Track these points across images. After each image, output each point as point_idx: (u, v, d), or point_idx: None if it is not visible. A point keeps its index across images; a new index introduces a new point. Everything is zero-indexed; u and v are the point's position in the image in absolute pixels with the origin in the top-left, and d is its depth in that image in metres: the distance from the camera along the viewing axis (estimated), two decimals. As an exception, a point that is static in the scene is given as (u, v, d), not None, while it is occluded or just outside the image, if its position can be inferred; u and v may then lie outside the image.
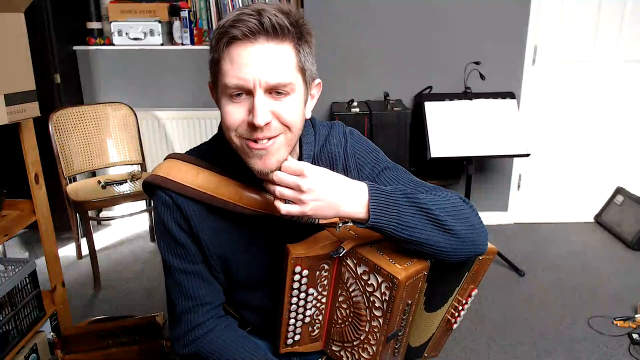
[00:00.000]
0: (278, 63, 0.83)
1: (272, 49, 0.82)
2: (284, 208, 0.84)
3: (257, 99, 0.82)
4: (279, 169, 0.85)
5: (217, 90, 0.88)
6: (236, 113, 0.85)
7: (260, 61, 0.81)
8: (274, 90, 0.84)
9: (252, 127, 0.84)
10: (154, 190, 0.96)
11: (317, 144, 1.01)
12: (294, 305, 0.95)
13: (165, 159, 0.99)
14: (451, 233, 0.89)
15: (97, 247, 2.64)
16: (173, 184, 0.94)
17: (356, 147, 1.03)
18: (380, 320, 0.92)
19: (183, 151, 1.02)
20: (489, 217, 3.24)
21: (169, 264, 0.99)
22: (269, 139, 0.86)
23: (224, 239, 0.97)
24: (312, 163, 0.99)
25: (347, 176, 0.99)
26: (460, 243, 0.91)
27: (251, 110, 0.83)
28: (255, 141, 0.85)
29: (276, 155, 0.87)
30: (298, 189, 0.82)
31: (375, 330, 0.94)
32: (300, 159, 0.99)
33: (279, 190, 0.84)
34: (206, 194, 0.93)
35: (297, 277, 0.92)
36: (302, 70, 0.87)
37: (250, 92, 0.83)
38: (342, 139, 1.03)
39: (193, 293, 0.99)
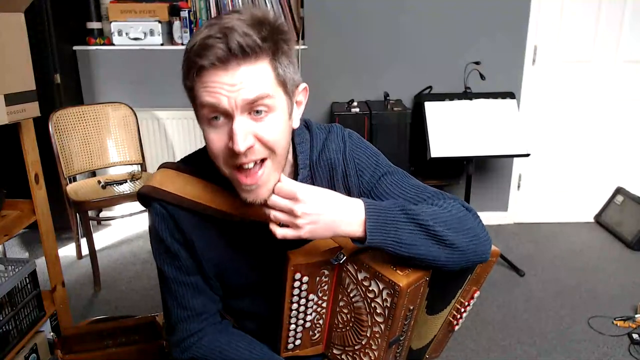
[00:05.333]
0: (253, 83, 0.78)
1: (244, 71, 0.77)
2: (280, 232, 0.82)
3: (236, 123, 0.79)
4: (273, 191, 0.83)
5: (198, 116, 0.84)
6: (218, 140, 0.82)
7: (234, 84, 0.77)
8: (253, 110, 0.80)
9: (235, 153, 0.80)
10: (149, 201, 0.95)
11: (315, 151, 0.98)
12: (294, 311, 0.95)
13: (158, 168, 0.98)
14: (452, 247, 0.87)
15: (97, 247, 2.64)
16: (167, 195, 0.92)
17: (355, 151, 0.99)
18: (382, 326, 0.91)
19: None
20: (489, 217, 3.24)
21: (164, 273, 0.98)
22: (255, 163, 0.82)
23: (220, 248, 0.96)
24: (309, 171, 0.97)
25: (347, 182, 0.98)
26: (462, 255, 0.89)
27: (231, 136, 0.79)
28: (242, 167, 0.82)
29: (266, 185, 0.84)
30: (292, 214, 0.81)
31: (377, 335, 0.93)
32: (296, 169, 0.96)
33: (273, 214, 0.82)
34: (201, 205, 0.92)
35: (297, 283, 0.91)
36: (282, 84, 0.83)
37: (228, 115, 0.79)
38: (341, 144, 0.99)
39: (188, 303, 0.98)
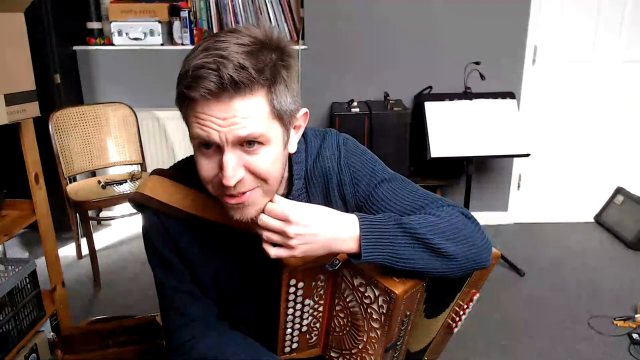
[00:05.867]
0: (246, 118, 0.75)
1: (237, 105, 0.74)
2: (273, 253, 0.82)
3: (226, 157, 0.76)
4: (263, 211, 0.82)
5: (190, 137, 0.82)
6: (207, 168, 0.80)
7: (225, 118, 0.74)
8: (245, 142, 0.77)
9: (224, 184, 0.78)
10: (140, 209, 0.95)
11: (310, 159, 0.95)
12: (290, 316, 0.94)
13: (151, 173, 0.97)
14: (450, 258, 0.86)
15: (97, 247, 2.64)
16: (159, 204, 0.92)
17: (351, 159, 0.96)
18: (378, 332, 0.91)
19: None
20: (489, 217, 3.24)
21: (160, 280, 0.98)
22: (244, 192, 0.81)
23: (213, 257, 0.96)
24: (304, 182, 0.95)
25: (342, 190, 0.96)
26: (461, 264, 0.88)
27: (221, 168, 0.78)
28: (230, 195, 0.81)
29: (254, 206, 0.82)
30: (284, 235, 0.80)
31: (374, 341, 0.92)
32: (290, 180, 0.95)
33: (266, 234, 0.81)
34: (194, 215, 0.92)
35: (292, 289, 0.91)
36: (278, 116, 0.79)
37: (219, 147, 0.77)
38: (336, 151, 0.96)
39: (184, 310, 0.98)
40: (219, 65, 0.73)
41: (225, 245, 0.96)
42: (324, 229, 0.82)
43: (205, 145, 0.79)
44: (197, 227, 0.93)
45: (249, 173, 0.80)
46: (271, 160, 0.81)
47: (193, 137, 0.79)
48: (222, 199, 0.83)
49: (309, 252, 0.83)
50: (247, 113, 0.75)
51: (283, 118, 0.81)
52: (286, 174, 0.94)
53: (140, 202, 0.94)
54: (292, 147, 0.89)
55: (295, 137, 0.89)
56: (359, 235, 0.83)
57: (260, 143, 0.78)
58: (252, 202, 0.82)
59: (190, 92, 0.74)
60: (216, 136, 0.76)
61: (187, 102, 0.77)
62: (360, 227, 0.84)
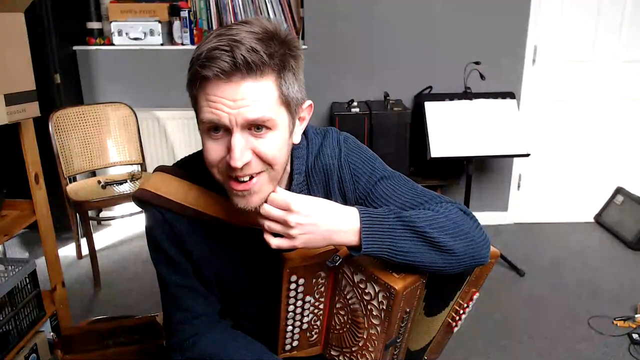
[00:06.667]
0: (256, 100, 0.77)
1: (248, 86, 0.77)
2: (274, 242, 0.82)
3: (235, 139, 0.78)
4: (266, 201, 0.83)
5: (198, 122, 0.84)
6: (215, 151, 0.82)
7: (236, 99, 0.77)
8: (253, 126, 0.79)
9: (231, 166, 0.80)
10: (144, 205, 0.95)
11: (311, 156, 0.97)
12: (290, 313, 0.95)
13: (154, 170, 0.98)
14: (449, 252, 0.87)
15: (97, 247, 2.64)
16: (163, 200, 0.92)
17: (351, 156, 0.98)
18: (379, 329, 0.91)
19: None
20: (489, 217, 3.24)
21: (163, 277, 0.98)
22: (251, 177, 0.83)
23: (216, 253, 0.96)
24: (305, 177, 0.97)
25: (343, 187, 0.97)
26: (460, 259, 0.89)
27: (229, 150, 0.79)
28: (237, 179, 0.82)
29: (259, 194, 0.84)
30: (286, 224, 0.81)
31: (374, 337, 0.93)
32: (291, 175, 0.96)
33: (267, 224, 0.82)
34: (197, 211, 0.92)
35: (293, 285, 0.91)
36: (286, 103, 0.82)
37: (228, 129, 0.79)
38: (336, 149, 0.98)
39: (188, 306, 0.98)
40: (232, 47, 0.75)
41: (229, 242, 0.96)
42: (324, 220, 0.83)
43: (214, 129, 0.80)
44: (200, 223, 0.94)
45: (256, 157, 0.81)
46: (278, 145, 0.83)
47: (203, 121, 0.80)
48: (227, 184, 0.84)
49: (309, 243, 0.83)
50: (256, 96, 0.77)
51: (290, 105, 0.83)
52: (288, 168, 0.95)
53: (143, 199, 0.94)
54: (297, 138, 0.90)
55: (300, 127, 0.91)
56: (359, 228, 0.84)
57: (267, 128, 0.80)
58: (257, 189, 0.84)
59: (203, 70, 0.76)
60: (226, 119, 0.77)
61: (199, 82, 0.78)
62: (361, 220, 0.84)
